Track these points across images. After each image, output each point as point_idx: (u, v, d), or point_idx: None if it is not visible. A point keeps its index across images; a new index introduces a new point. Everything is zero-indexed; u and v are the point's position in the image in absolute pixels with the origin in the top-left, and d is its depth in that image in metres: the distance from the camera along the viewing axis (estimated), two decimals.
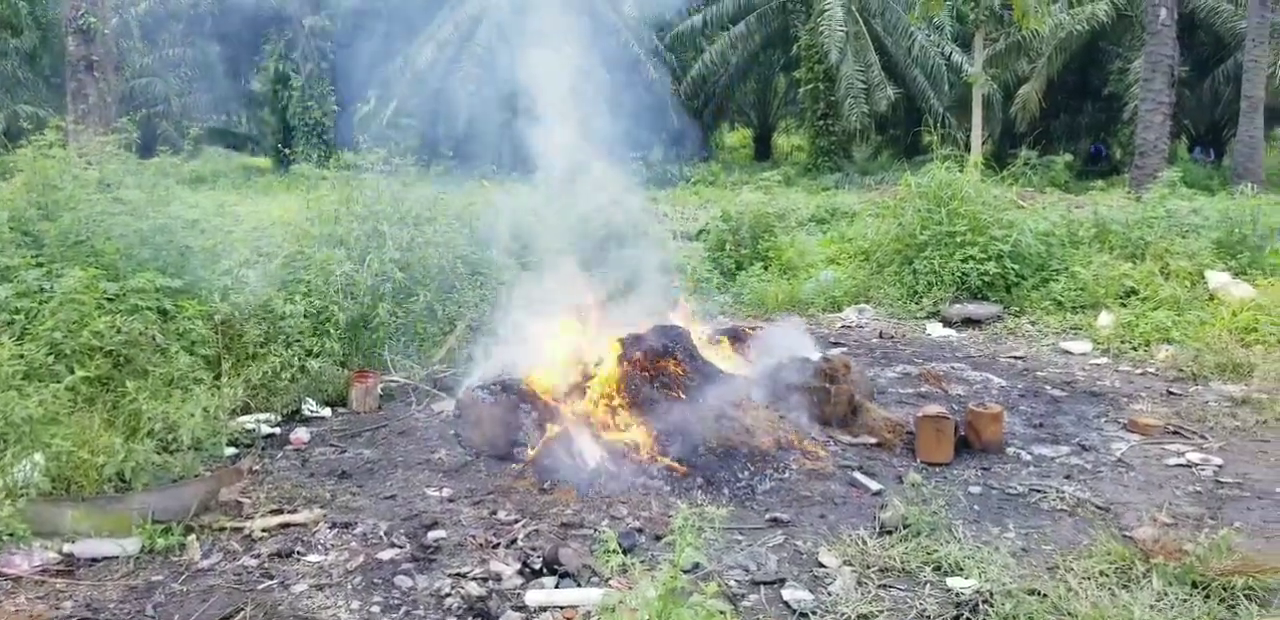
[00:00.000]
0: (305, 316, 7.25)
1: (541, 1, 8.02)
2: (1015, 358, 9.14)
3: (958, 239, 11.04)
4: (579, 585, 4.38)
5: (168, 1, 33.42)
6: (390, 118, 24.11)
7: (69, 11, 16.51)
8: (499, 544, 4.83)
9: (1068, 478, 5.90)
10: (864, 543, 4.80)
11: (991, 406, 6.55)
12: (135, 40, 33.05)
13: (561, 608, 4.20)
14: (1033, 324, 10.26)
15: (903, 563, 4.58)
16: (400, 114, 24.67)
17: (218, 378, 6.41)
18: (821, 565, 4.62)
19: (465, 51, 28.69)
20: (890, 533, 4.91)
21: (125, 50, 31.25)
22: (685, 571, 3.80)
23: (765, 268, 12.33)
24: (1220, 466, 6.09)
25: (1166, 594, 4.14)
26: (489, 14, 28.70)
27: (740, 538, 4.95)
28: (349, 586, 4.42)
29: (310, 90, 32.86)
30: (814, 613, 4.18)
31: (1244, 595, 4.13)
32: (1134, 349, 9.15)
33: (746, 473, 5.70)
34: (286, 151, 31.04)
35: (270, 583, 4.47)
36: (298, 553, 4.76)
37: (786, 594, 4.31)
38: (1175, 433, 6.80)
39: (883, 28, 31.36)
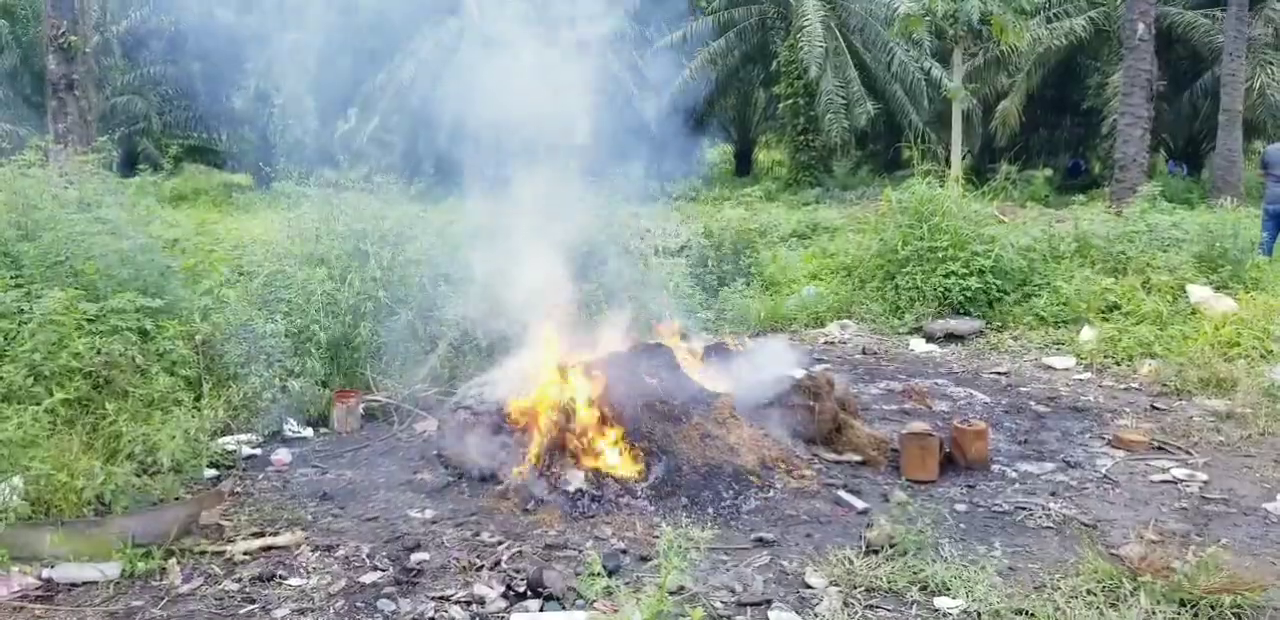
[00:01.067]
0: (286, 336, 7.23)
1: (521, 18, 8.00)
2: (998, 373, 9.14)
3: (939, 254, 11.06)
4: (564, 608, 4.33)
5: (149, 20, 33.36)
6: (371, 134, 24.06)
7: (49, 30, 16.44)
8: (482, 566, 4.79)
9: (1053, 495, 5.89)
10: (850, 562, 4.77)
11: (976, 423, 6.54)
12: (116, 58, 33.00)
13: None
14: (1015, 339, 10.26)
15: (889, 582, 4.55)
16: (381, 131, 24.61)
17: (198, 399, 6.37)
18: (808, 586, 4.59)
19: (446, 68, 28.69)
20: (876, 552, 4.88)
21: (106, 68, 31.19)
22: (670, 593, 3.78)
23: (748, 284, 12.33)
24: (1206, 482, 6.09)
25: (1155, 613, 4.12)
26: (470, 31, 28.72)
27: (725, 558, 4.92)
28: (331, 611, 4.37)
29: (291, 107, 32.79)
30: None
31: (1233, 614, 4.12)
32: (1117, 364, 9.16)
33: (731, 492, 5.68)
34: (267, 169, 30.93)
35: (252, 607, 4.42)
36: (279, 576, 4.71)
37: (773, 616, 4.27)
38: (1160, 448, 6.79)
39: (862, 43, 31.48)
